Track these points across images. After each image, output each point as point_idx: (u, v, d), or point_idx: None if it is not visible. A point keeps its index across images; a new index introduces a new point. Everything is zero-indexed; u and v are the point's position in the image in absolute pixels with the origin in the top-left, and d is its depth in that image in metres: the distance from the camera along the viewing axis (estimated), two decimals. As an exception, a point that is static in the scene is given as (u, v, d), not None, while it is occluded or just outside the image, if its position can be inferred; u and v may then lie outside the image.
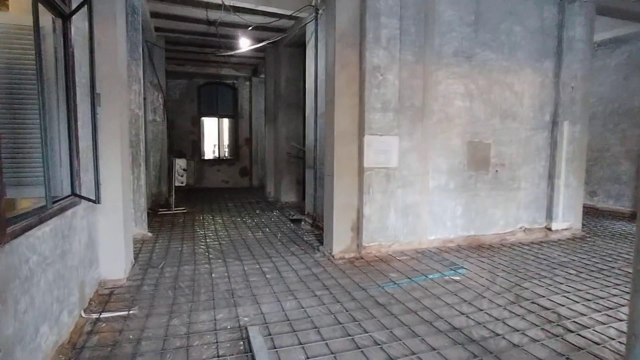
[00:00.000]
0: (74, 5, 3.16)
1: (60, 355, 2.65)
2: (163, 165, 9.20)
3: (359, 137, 4.99)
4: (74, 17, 3.14)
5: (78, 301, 3.21)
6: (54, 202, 2.75)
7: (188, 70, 12.15)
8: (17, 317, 2.13)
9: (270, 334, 2.98)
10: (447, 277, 4.31)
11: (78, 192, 3.13)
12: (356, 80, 4.97)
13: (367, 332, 3.02)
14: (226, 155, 14.05)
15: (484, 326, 3.14)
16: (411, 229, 5.33)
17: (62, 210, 2.80)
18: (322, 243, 5.62)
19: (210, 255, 5.13)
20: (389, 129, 5.03)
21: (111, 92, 3.82)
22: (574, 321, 3.24)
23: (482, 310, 3.44)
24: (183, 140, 12.84)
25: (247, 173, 13.67)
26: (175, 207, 8.27)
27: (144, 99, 6.93)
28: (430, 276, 4.32)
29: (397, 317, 3.28)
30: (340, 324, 3.17)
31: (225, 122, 13.78)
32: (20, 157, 2.89)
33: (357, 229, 5.08)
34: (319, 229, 6.55)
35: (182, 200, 9.33)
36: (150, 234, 6.13)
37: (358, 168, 5.02)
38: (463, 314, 3.36)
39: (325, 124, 5.25)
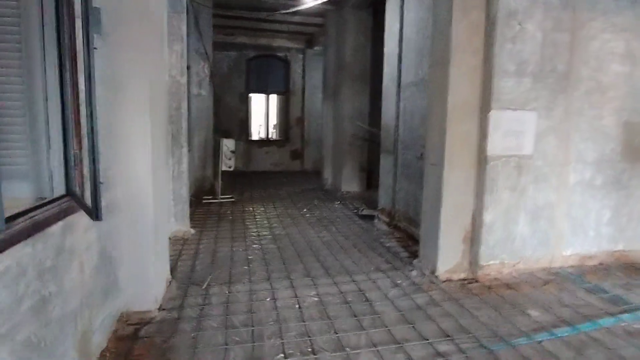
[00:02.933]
0: None
1: None
2: (208, 146, 8.10)
3: (480, 113, 3.52)
4: None
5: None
6: (17, 216, 1.54)
7: (237, 40, 10.93)
8: None
9: None
10: (626, 324, 2.83)
11: (77, 191, 1.93)
12: (479, 33, 3.46)
13: None
14: (274, 135, 12.85)
15: None
16: (542, 241, 3.83)
17: (36, 228, 1.57)
18: (411, 253, 4.26)
19: (270, 267, 3.91)
20: (525, 101, 3.52)
21: (134, 31, 2.54)
22: None
23: None
24: (230, 119, 11.72)
25: (298, 156, 12.42)
26: (221, 195, 7.16)
27: (188, 68, 5.75)
28: (601, 322, 2.85)
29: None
30: None
31: (273, 99, 12.49)
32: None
33: (471, 240, 3.66)
34: (400, 231, 5.17)
35: (229, 185, 8.21)
36: (192, 231, 5.00)
37: (477, 156, 3.56)
38: None
39: (431, 93, 3.79)
